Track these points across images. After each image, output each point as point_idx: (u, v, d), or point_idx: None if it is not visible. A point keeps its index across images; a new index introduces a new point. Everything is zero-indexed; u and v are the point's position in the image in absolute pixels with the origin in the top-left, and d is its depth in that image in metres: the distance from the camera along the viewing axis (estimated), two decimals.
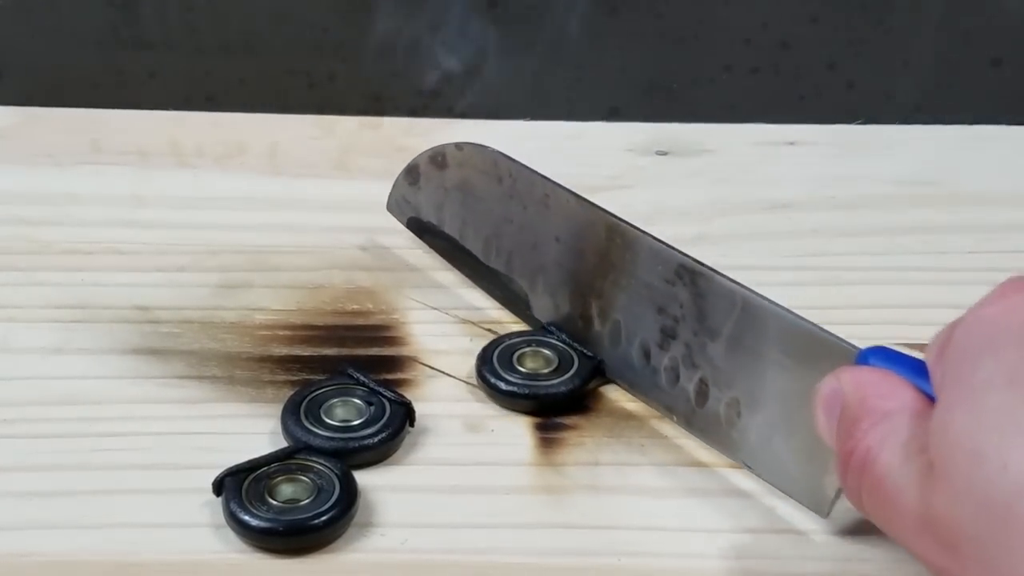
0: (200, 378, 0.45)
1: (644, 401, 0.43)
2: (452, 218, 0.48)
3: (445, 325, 0.47)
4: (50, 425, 0.43)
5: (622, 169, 0.57)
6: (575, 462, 0.42)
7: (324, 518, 0.39)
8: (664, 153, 0.57)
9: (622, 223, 0.44)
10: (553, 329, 0.45)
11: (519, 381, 0.44)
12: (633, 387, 0.44)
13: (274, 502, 0.39)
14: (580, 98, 0.63)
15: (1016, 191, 0.56)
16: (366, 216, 0.53)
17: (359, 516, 0.40)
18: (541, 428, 0.43)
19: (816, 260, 0.51)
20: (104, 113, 0.59)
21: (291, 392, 0.43)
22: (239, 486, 0.39)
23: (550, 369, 0.44)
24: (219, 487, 0.40)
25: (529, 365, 0.45)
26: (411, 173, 0.50)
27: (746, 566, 0.39)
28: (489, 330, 0.47)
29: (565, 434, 0.43)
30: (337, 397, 0.43)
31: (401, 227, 0.52)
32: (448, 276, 0.50)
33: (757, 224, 0.53)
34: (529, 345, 0.45)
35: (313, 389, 0.43)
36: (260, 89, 0.62)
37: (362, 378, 0.43)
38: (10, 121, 0.58)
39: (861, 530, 0.40)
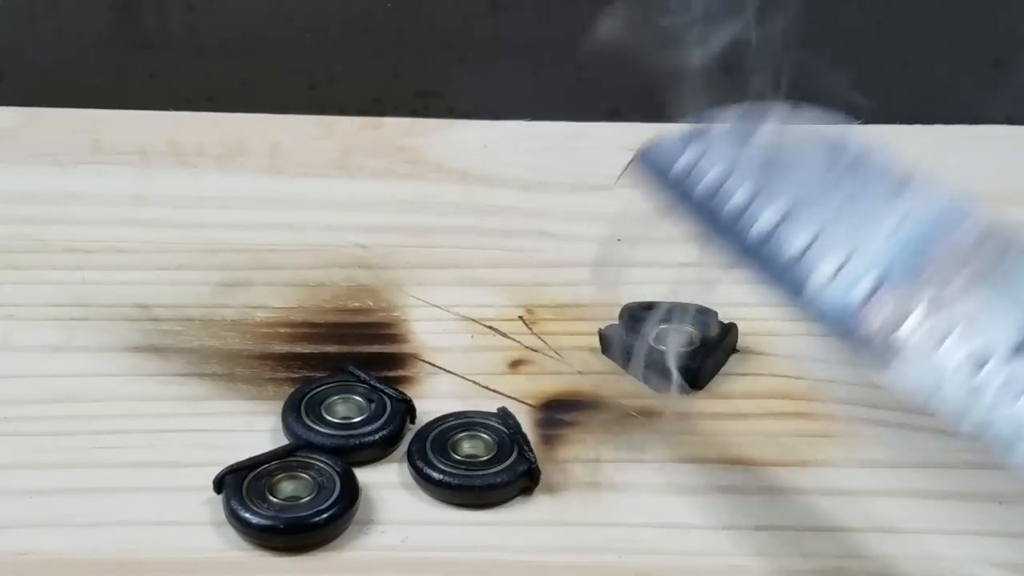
0: (201, 376, 0.45)
1: None
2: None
3: (446, 322, 0.47)
4: (50, 423, 0.43)
5: (623, 169, 0.57)
6: (576, 459, 0.42)
7: (325, 516, 0.39)
8: None
9: None
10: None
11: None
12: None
13: (275, 500, 0.39)
14: (580, 98, 0.63)
15: (1016, 191, 0.56)
16: (367, 215, 0.53)
17: (360, 514, 0.40)
18: (542, 425, 0.43)
19: None
20: (104, 113, 0.59)
21: (292, 389, 0.43)
22: (240, 484, 0.39)
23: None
24: (219, 485, 0.40)
25: None
26: (696, 143, 0.38)
27: (746, 563, 0.39)
28: (491, 328, 0.47)
29: (566, 431, 0.43)
30: (338, 394, 0.43)
31: (403, 225, 0.52)
32: (449, 274, 0.50)
33: None
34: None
35: (314, 386, 0.43)
36: (260, 90, 0.62)
37: (363, 375, 0.43)
38: (11, 121, 0.58)
39: (861, 527, 0.40)
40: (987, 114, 0.60)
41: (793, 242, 0.36)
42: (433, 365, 0.46)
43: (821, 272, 0.35)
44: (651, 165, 0.38)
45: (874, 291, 0.35)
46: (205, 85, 0.62)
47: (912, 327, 0.34)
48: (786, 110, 0.38)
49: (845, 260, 0.35)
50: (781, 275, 0.36)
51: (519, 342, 0.47)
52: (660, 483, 0.41)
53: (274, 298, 0.48)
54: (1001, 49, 0.62)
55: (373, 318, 0.48)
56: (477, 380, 0.45)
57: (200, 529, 0.39)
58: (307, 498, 0.39)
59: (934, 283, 0.34)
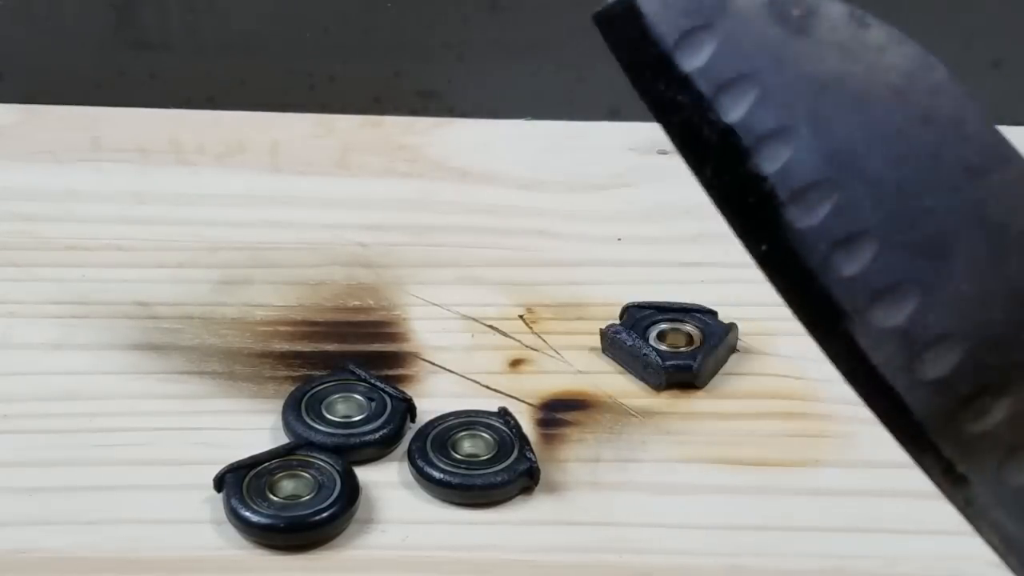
0: (201, 374, 0.45)
1: None
2: (762, 108, 0.25)
3: (446, 321, 0.47)
4: (50, 421, 0.43)
5: (623, 168, 0.57)
6: (576, 458, 0.42)
7: (325, 514, 0.39)
8: (665, 152, 0.57)
9: None
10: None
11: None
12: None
13: (275, 498, 0.39)
14: (580, 98, 0.63)
15: None
16: (367, 213, 0.53)
17: (360, 512, 0.40)
18: (542, 424, 0.43)
19: None
20: (105, 111, 0.59)
21: (292, 388, 0.43)
22: (240, 482, 0.39)
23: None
24: (220, 483, 0.39)
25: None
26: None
27: (746, 563, 0.39)
28: (491, 327, 0.47)
29: (566, 430, 0.43)
30: (338, 393, 0.43)
31: (403, 224, 0.52)
32: (449, 273, 0.50)
33: None
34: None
35: (314, 385, 0.43)
36: (260, 90, 0.62)
37: (363, 374, 0.43)
38: (11, 118, 0.58)
39: (860, 527, 0.40)
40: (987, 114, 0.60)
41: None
42: (433, 364, 0.46)
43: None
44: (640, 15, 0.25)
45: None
46: (205, 85, 0.62)
47: None
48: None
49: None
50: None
51: (519, 341, 0.47)
52: (660, 483, 0.41)
53: (274, 296, 0.48)
54: (1001, 49, 0.62)
55: (373, 317, 0.48)
56: (477, 379, 0.45)
57: (200, 527, 0.39)
58: (307, 497, 0.39)
59: None
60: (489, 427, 0.42)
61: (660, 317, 0.46)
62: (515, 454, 0.41)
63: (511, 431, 0.42)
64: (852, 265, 0.24)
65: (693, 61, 0.25)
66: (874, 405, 0.25)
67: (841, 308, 0.24)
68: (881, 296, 0.24)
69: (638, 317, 0.46)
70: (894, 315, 0.24)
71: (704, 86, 0.25)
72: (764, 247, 0.25)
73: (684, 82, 0.25)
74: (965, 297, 0.24)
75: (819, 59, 0.25)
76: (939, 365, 0.24)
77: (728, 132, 0.25)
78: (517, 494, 0.41)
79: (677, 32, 0.25)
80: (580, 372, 0.45)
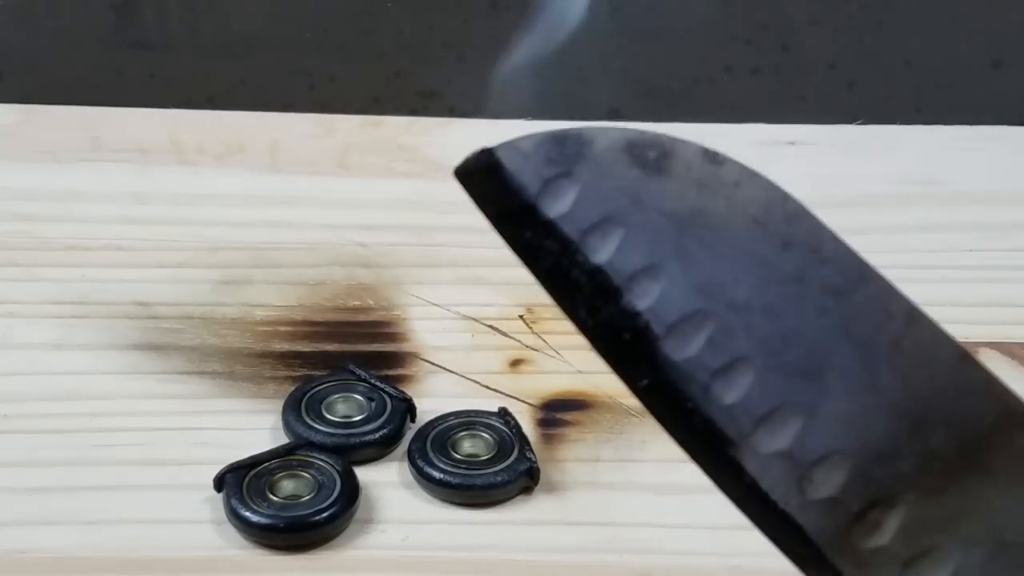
0: (201, 374, 0.45)
1: None
2: (629, 247, 0.26)
3: (446, 321, 0.47)
4: (50, 421, 0.43)
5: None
6: (576, 458, 0.42)
7: (325, 514, 0.39)
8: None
9: None
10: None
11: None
12: None
13: (275, 498, 0.39)
14: (580, 98, 0.63)
15: (1016, 191, 0.56)
16: (367, 213, 0.53)
17: (360, 512, 0.40)
18: (542, 424, 0.43)
19: None
20: (105, 111, 0.59)
21: (292, 388, 0.43)
22: (240, 482, 0.39)
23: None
24: (220, 483, 0.39)
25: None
26: (567, 148, 0.27)
27: (747, 563, 0.39)
28: (491, 327, 0.47)
29: (566, 430, 0.43)
30: (338, 393, 0.43)
31: (403, 224, 0.52)
32: (449, 273, 0.50)
33: None
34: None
35: (314, 385, 0.43)
36: (260, 90, 0.62)
37: (363, 374, 0.43)
38: (11, 118, 0.58)
39: None
40: (986, 114, 0.60)
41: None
42: (433, 364, 0.46)
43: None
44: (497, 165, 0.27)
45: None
46: (205, 85, 0.62)
47: None
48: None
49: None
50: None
51: (519, 341, 0.47)
52: (661, 483, 0.41)
53: (274, 296, 0.48)
54: (1001, 49, 0.62)
55: (373, 316, 0.48)
56: (477, 379, 0.45)
57: (200, 527, 0.39)
58: (307, 497, 0.39)
59: None
60: (489, 427, 0.42)
61: None
62: (515, 454, 0.41)
63: (511, 431, 0.42)
64: (732, 392, 0.25)
65: (557, 207, 0.26)
66: (767, 529, 0.25)
67: (726, 436, 0.25)
68: (764, 421, 0.25)
69: None
70: (778, 438, 0.25)
71: (570, 230, 0.26)
72: (644, 382, 0.26)
73: (550, 228, 0.26)
74: (844, 414, 0.25)
75: (679, 196, 0.26)
76: (828, 484, 0.25)
77: (597, 272, 0.26)
78: (517, 494, 0.41)
79: (539, 181, 0.26)
80: (580, 372, 0.45)
